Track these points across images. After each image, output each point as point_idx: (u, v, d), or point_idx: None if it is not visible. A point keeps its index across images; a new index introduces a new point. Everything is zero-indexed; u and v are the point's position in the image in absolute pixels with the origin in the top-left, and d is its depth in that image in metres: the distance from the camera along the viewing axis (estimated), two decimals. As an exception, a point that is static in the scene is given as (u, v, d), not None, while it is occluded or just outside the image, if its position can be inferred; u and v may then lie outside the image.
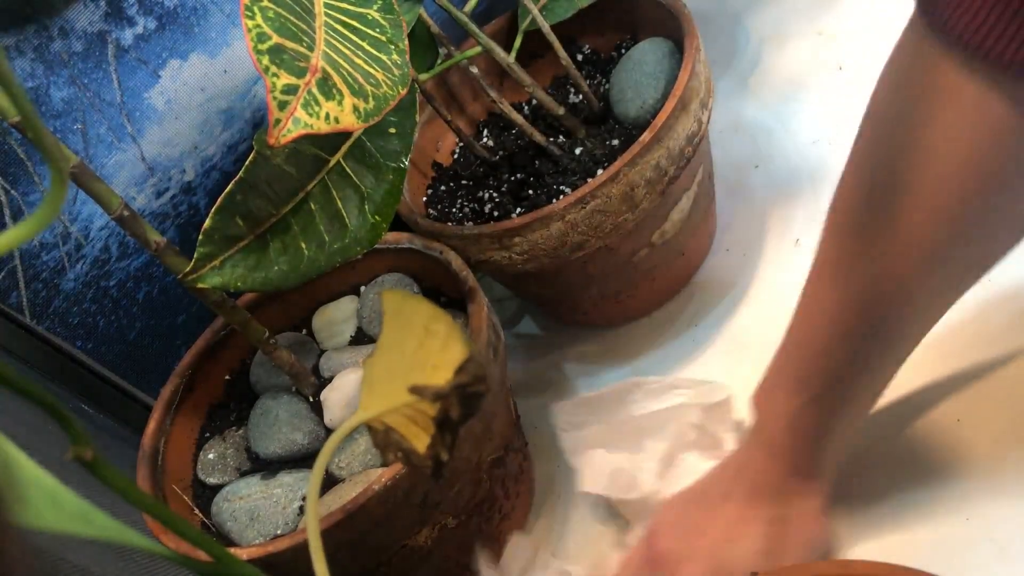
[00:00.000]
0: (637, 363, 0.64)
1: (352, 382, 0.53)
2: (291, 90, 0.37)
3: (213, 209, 0.44)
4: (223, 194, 0.45)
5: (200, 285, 0.45)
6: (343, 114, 0.38)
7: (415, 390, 0.23)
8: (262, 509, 0.49)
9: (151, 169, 0.59)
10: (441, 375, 0.23)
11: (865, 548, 0.47)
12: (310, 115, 0.37)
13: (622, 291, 0.62)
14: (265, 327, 0.52)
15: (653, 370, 0.62)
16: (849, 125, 0.68)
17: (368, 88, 0.40)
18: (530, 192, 0.61)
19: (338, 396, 0.53)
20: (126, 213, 0.43)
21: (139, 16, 0.56)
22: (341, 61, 0.40)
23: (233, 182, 0.45)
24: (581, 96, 0.65)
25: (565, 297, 0.64)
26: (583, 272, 0.59)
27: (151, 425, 0.53)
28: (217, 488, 0.52)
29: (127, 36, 0.55)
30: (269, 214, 0.46)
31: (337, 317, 0.60)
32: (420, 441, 0.24)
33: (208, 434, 0.56)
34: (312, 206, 0.47)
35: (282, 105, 0.37)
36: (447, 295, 0.57)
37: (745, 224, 0.67)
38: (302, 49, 0.39)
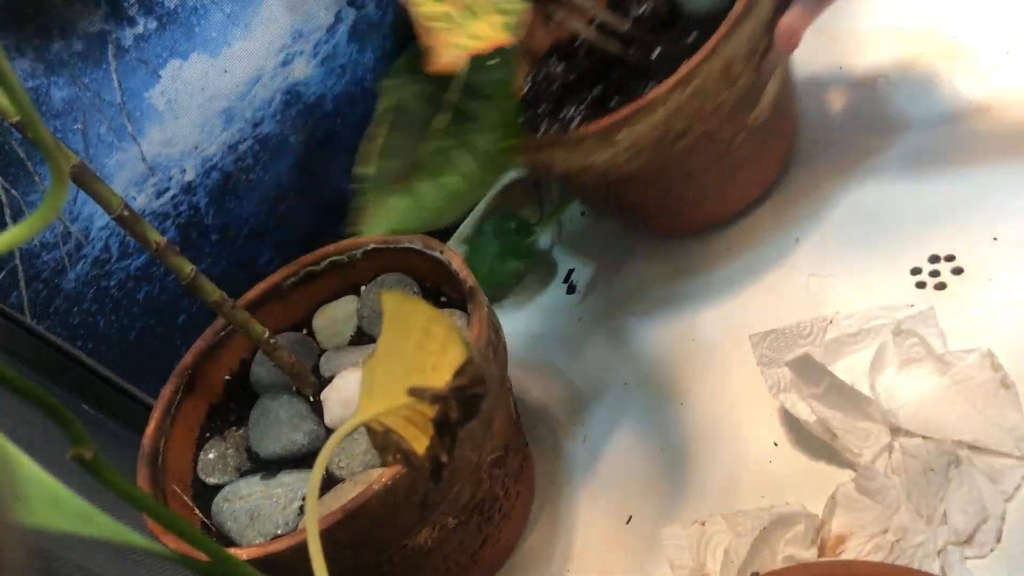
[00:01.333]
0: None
1: (352, 382, 0.53)
2: (442, 17, 0.39)
3: (364, 157, 0.46)
4: (367, 138, 0.46)
5: (364, 233, 0.47)
6: (489, 31, 0.40)
7: (414, 392, 0.23)
8: (262, 509, 0.49)
9: (151, 169, 0.59)
10: (440, 377, 0.23)
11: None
12: (461, 37, 0.39)
13: (719, 186, 0.63)
14: (265, 327, 0.52)
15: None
16: (848, 125, 0.68)
17: (504, 4, 0.42)
18: (616, 97, 0.60)
19: (338, 396, 0.53)
20: (126, 213, 0.43)
21: (139, 16, 0.56)
22: None
23: (375, 126, 0.47)
24: (644, 7, 0.64)
25: (664, 200, 0.64)
26: (684, 167, 0.60)
27: (151, 425, 0.53)
28: (217, 488, 0.52)
29: (127, 36, 0.55)
30: (408, 158, 0.47)
31: (337, 317, 0.60)
32: (419, 443, 0.24)
33: (208, 434, 0.56)
34: (445, 143, 0.48)
35: (434, 33, 0.39)
36: (447, 295, 0.57)
37: (748, 223, 0.67)
38: None
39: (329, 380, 0.54)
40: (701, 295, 0.65)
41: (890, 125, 0.66)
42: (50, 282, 0.55)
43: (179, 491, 0.52)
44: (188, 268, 0.46)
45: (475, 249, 0.70)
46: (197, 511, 0.52)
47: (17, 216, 0.53)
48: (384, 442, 0.26)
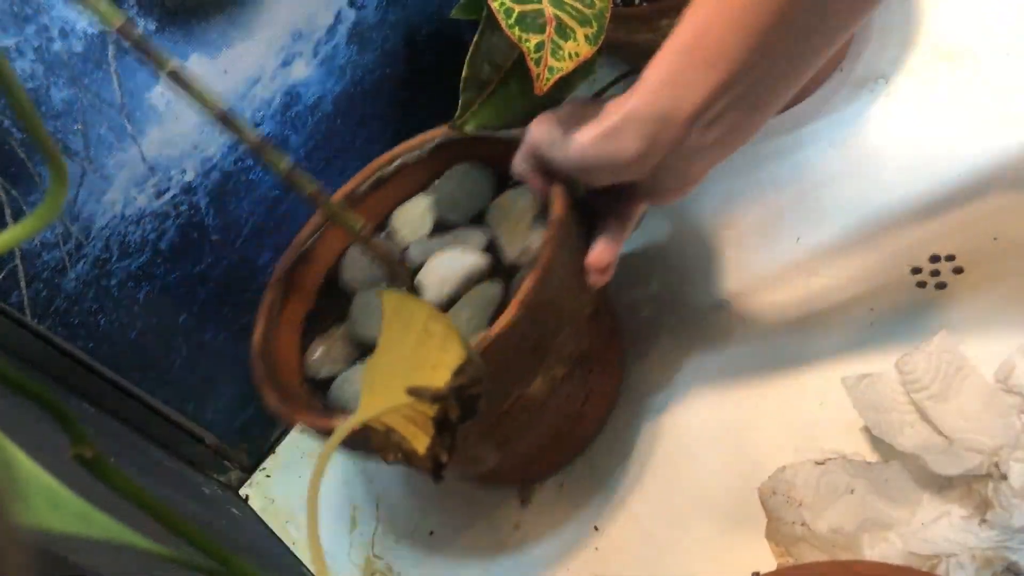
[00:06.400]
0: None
1: (446, 262, 0.55)
2: (540, 46, 0.45)
3: (467, 61, 0.52)
4: (472, 44, 0.51)
5: (466, 128, 0.53)
6: (580, 47, 0.45)
7: (414, 391, 0.23)
8: None
9: (151, 169, 0.59)
10: (440, 376, 0.23)
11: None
12: (558, 60, 0.45)
13: None
14: (345, 236, 0.57)
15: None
16: (848, 126, 0.68)
17: (588, 13, 0.47)
18: None
19: (435, 276, 0.55)
20: (225, 110, 0.46)
21: (139, 16, 0.56)
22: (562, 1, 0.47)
23: (477, 33, 0.51)
24: None
25: None
26: None
27: (258, 331, 0.56)
28: (330, 380, 0.54)
29: (127, 36, 0.56)
30: (507, 57, 0.52)
31: (414, 214, 0.61)
32: (420, 441, 0.24)
33: (309, 338, 0.58)
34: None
35: (538, 62, 0.44)
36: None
37: (744, 223, 0.67)
38: (536, 6, 0.46)
39: (419, 269, 0.56)
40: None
41: (891, 126, 0.67)
42: (50, 282, 0.55)
43: (294, 384, 0.55)
44: (284, 162, 0.49)
45: None
46: (315, 399, 0.54)
47: (17, 216, 0.53)
48: (385, 441, 0.26)
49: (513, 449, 0.54)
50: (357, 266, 0.59)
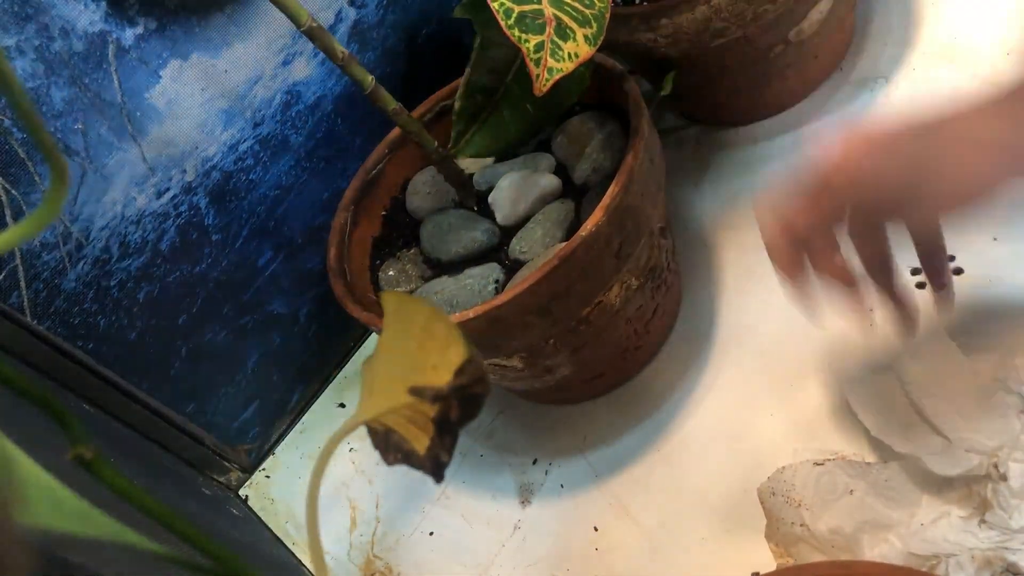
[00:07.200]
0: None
1: (516, 182, 0.57)
2: (540, 47, 0.45)
3: (459, 93, 0.53)
4: (464, 77, 0.52)
5: (461, 157, 0.55)
6: (579, 47, 0.46)
7: (414, 391, 0.23)
8: (459, 296, 0.54)
9: (152, 169, 0.59)
10: (441, 376, 0.23)
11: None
12: (558, 60, 0.45)
13: (755, 87, 0.68)
14: (406, 167, 0.59)
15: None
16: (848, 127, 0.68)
17: (588, 13, 0.47)
18: None
19: (506, 195, 0.57)
20: (314, 25, 0.48)
21: (139, 16, 0.56)
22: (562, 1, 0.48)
23: (469, 65, 0.52)
24: None
25: (702, 87, 0.69)
26: (720, 63, 0.65)
27: (332, 252, 0.58)
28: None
29: (128, 36, 0.55)
30: (497, 86, 0.54)
31: None
32: (420, 442, 0.24)
33: (379, 261, 0.61)
34: (513, 87, 0.54)
35: (537, 62, 0.45)
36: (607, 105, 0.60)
37: (744, 223, 0.67)
38: (535, 7, 0.46)
39: (487, 192, 0.59)
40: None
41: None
42: (51, 282, 0.55)
43: (369, 299, 0.57)
44: (369, 79, 0.51)
45: None
46: None
47: (17, 216, 0.53)
48: (385, 441, 0.26)
49: (584, 360, 0.56)
50: (422, 193, 0.62)
